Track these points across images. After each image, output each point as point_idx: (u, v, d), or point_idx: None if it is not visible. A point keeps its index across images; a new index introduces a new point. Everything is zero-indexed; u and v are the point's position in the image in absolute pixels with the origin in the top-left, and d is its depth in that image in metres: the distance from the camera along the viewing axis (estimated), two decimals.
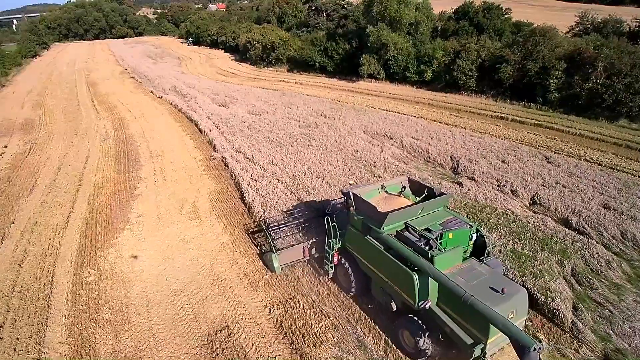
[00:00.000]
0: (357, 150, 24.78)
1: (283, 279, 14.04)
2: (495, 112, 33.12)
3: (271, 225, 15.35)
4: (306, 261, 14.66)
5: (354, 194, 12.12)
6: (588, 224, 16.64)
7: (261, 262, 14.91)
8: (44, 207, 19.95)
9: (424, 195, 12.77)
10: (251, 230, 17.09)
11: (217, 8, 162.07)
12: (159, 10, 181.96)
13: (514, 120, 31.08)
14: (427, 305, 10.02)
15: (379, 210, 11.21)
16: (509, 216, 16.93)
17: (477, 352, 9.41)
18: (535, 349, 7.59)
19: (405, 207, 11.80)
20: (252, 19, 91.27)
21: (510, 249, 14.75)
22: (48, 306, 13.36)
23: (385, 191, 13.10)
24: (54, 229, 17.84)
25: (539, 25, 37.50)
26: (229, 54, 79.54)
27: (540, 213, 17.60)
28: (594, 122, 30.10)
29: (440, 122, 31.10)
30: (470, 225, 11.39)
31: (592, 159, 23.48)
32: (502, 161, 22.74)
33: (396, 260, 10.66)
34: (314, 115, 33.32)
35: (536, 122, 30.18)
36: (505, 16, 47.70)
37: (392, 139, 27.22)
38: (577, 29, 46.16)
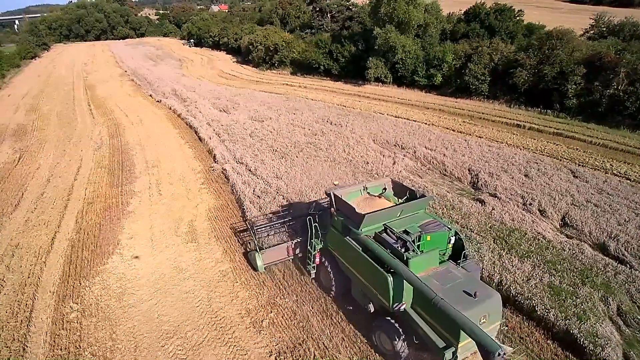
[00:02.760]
0: (368, 162, 23.11)
1: (290, 318, 12.36)
2: (510, 119, 31.41)
3: (256, 224, 15.69)
4: (290, 260, 14.73)
5: (334, 195, 12.22)
6: (628, 251, 14.99)
7: (265, 297, 13.24)
8: (28, 226, 18.31)
9: (406, 197, 12.65)
10: (238, 229, 17.09)
11: (219, 9, 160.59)
12: (160, 11, 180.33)
13: (531, 128, 29.35)
14: (402, 308, 9.97)
15: (357, 211, 11.22)
16: (541, 242, 15.22)
17: (448, 355, 9.27)
18: (499, 354, 7.51)
19: (384, 208, 11.71)
20: (255, 20, 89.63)
21: (547, 282, 13.04)
22: (24, 349, 11.72)
23: (368, 192, 13.08)
24: (37, 252, 16.18)
25: (555, 28, 35.72)
26: (230, 55, 77.96)
27: (574, 237, 15.90)
28: (616, 131, 28.41)
29: (453, 130, 29.40)
30: (449, 228, 11.21)
31: (619, 173, 21.87)
32: (526, 175, 21.02)
33: (372, 262, 10.61)
34: (319, 122, 31.64)
35: (555, 130, 28.44)
36: (518, 18, 45.96)
37: (404, 149, 25.52)
38: (592, 32, 44.49)
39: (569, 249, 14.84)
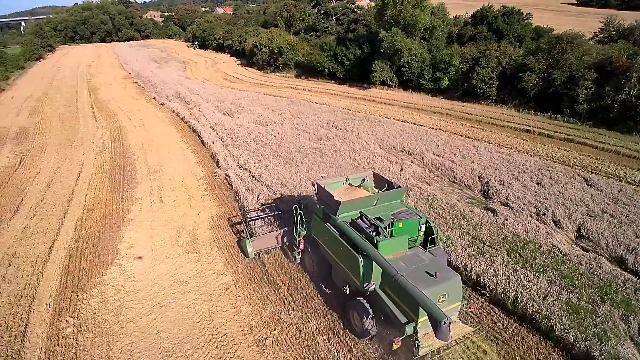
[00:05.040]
0: (375, 169, 22.47)
1: (295, 336, 11.78)
2: (519, 124, 30.76)
3: (248, 215, 17.03)
4: (279, 248, 15.59)
5: (317, 184, 13.27)
6: None
7: (269, 313, 12.68)
8: (26, 233, 17.83)
9: (384, 188, 13.43)
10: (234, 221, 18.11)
11: (224, 11, 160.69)
12: (165, 14, 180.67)
13: (541, 134, 28.70)
14: (372, 287, 10.71)
15: (335, 199, 12.06)
16: (557, 255, 14.59)
17: (409, 330, 9.86)
18: (445, 323, 8.20)
19: (361, 197, 12.69)
20: (259, 22, 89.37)
21: (565, 299, 12.40)
22: None
23: (349, 183, 14.04)
24: (34, 262, 15.69)
25: (565, 32, 35.05)
26: (235, 58, 77.68)
27: (590, 250, 15.23)
28: (627, 137, 27.78)
29: (461, 135, 28.76)
30: (420, 216, 12.01)
31: (634, 181, 21.19)
32: (538, 183, 20.38)
33: (346, 245, 11.42)
34: (324, 127, 31.11)
35: (566, 136, 27.78)
36: (526, 21, 45.29)
37: (411, 154, 24.94)
38: (602, 35, 43.74)
39: (586, 263, 14.20)
